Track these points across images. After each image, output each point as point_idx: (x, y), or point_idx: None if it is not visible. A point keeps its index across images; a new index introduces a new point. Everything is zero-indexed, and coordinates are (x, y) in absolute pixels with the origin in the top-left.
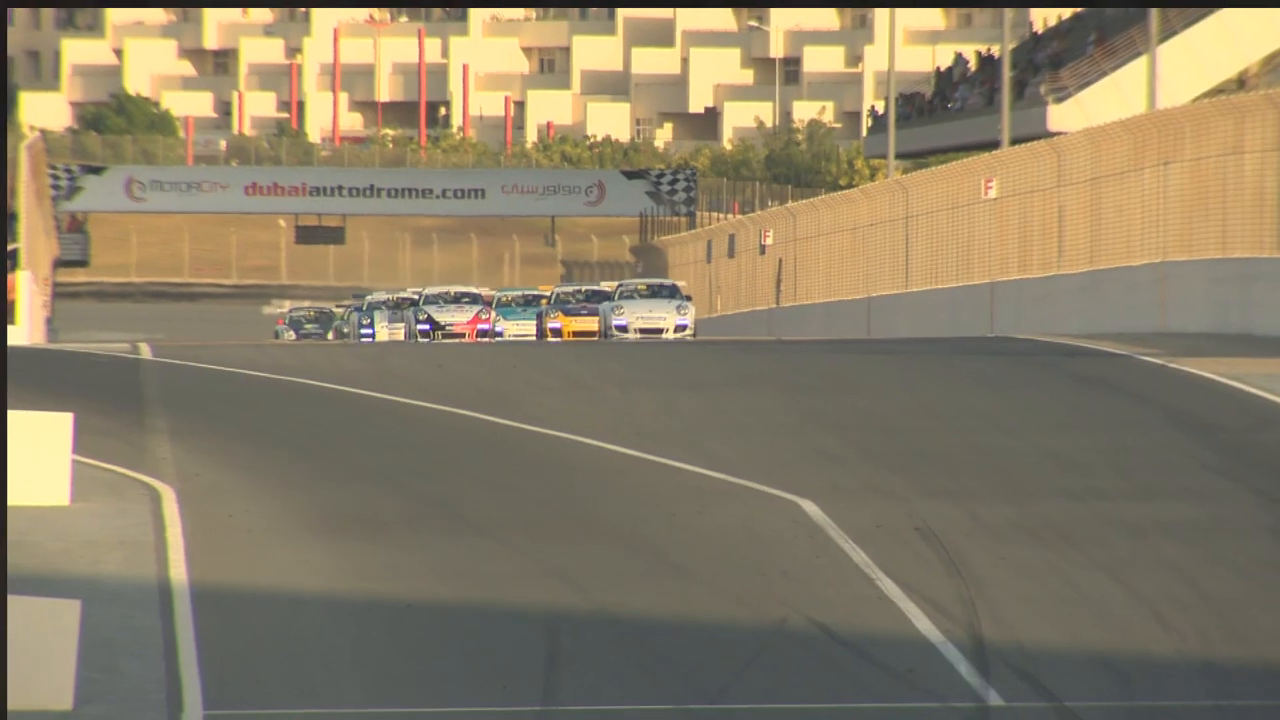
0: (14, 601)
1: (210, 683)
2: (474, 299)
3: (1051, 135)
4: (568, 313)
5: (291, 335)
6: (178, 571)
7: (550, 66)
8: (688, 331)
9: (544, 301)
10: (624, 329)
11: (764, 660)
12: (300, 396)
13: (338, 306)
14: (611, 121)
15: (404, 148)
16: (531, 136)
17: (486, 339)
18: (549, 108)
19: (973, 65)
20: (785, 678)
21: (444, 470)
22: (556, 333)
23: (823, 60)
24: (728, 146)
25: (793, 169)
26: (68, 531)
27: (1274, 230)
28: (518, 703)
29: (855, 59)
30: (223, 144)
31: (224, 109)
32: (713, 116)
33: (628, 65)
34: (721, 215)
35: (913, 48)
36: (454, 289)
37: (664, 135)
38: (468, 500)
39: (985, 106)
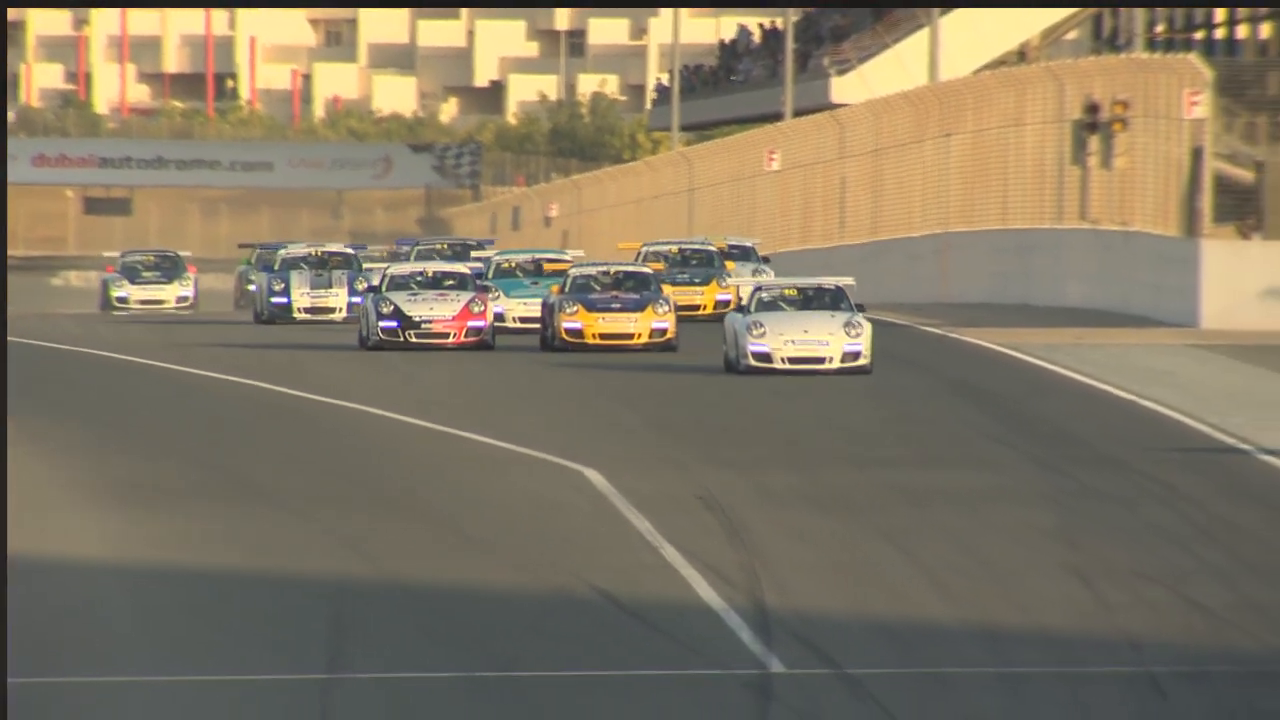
0: None
1: (28, 641)
2: (462, 282)
3: (834, 107)
4: (592, 307)
5: (126, 286)
6: None
7: (337, 39)
8: (862, 361)
9: (554, 289)
10: (766, 358)
11: (549, 627)
12: (89, 367)
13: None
14: (397, 95)
15: (192, 120)
16: (319, 110)
17: (479, 341)
18: (335, 81)
19: (756, 38)
20: (570, 645)
21: (234, 441)
22: (575, 335)
23: (607, 33)
24: (512, 120)
25: (577, 142)
26: None
27: (1053, 202)
28: (305, 670)
29: (640, 31)
30: (10, 115)
31: (11, 80)
32: (498, 90)
33: (413, 38)
34: (506, 188)
35: (697, 20)
36: (432, 268)
37: (449, 109)
38: (257, 471)
39: (769, 79)
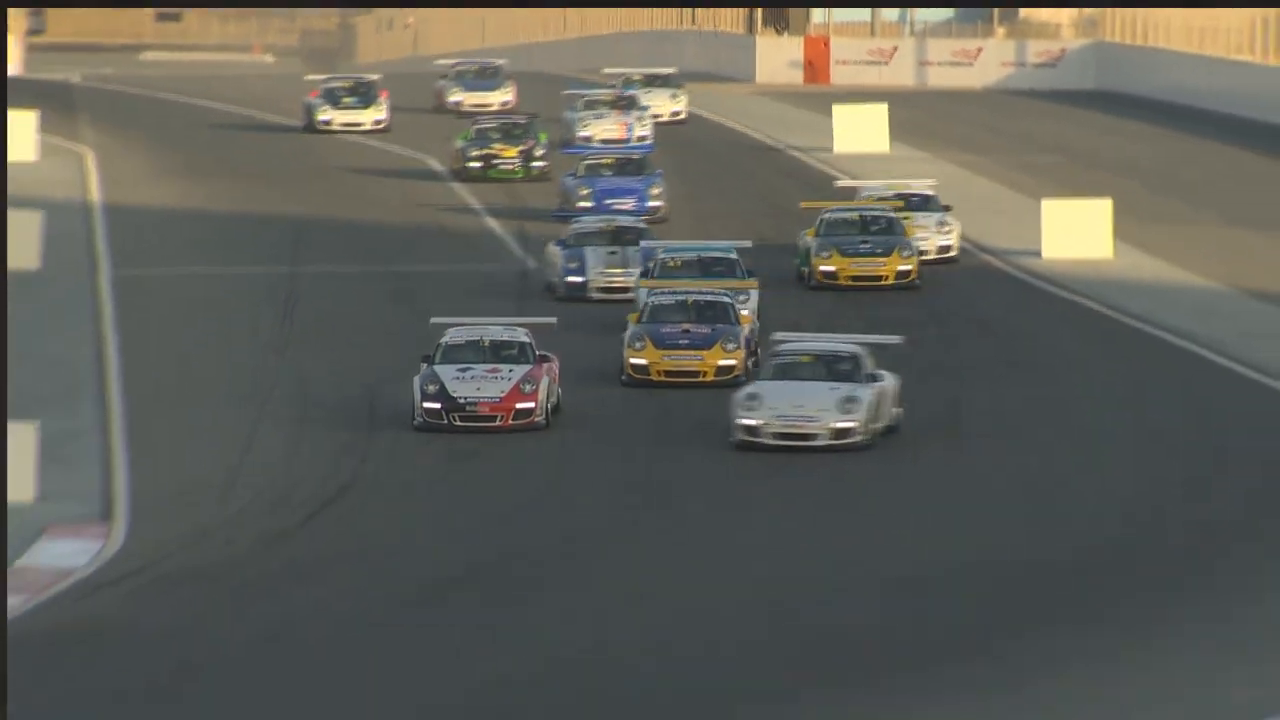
0: None
1: (115, 251)
2: (521, 352)
3: None
4: (660, 343)
5: (329, 110)
6: (93, 195)
7: None
8: (855, 438)
9: (633, 317)
10: (754, 433)
11: (420, 242)
12: (180, 109)
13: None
14: None
15: None
16: None
17: (530, 424)
18: None
19: None
20: (428, 251)
21: (255, 152)
22: (641, 371)
23: None
24: None
25: None
26: (35, 176)
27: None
28: (279, 265)
29: None
30: None
31: None
32: None
33: None
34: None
35: None
36: (489, 337)
37: None
38: (259, 162)
39: None
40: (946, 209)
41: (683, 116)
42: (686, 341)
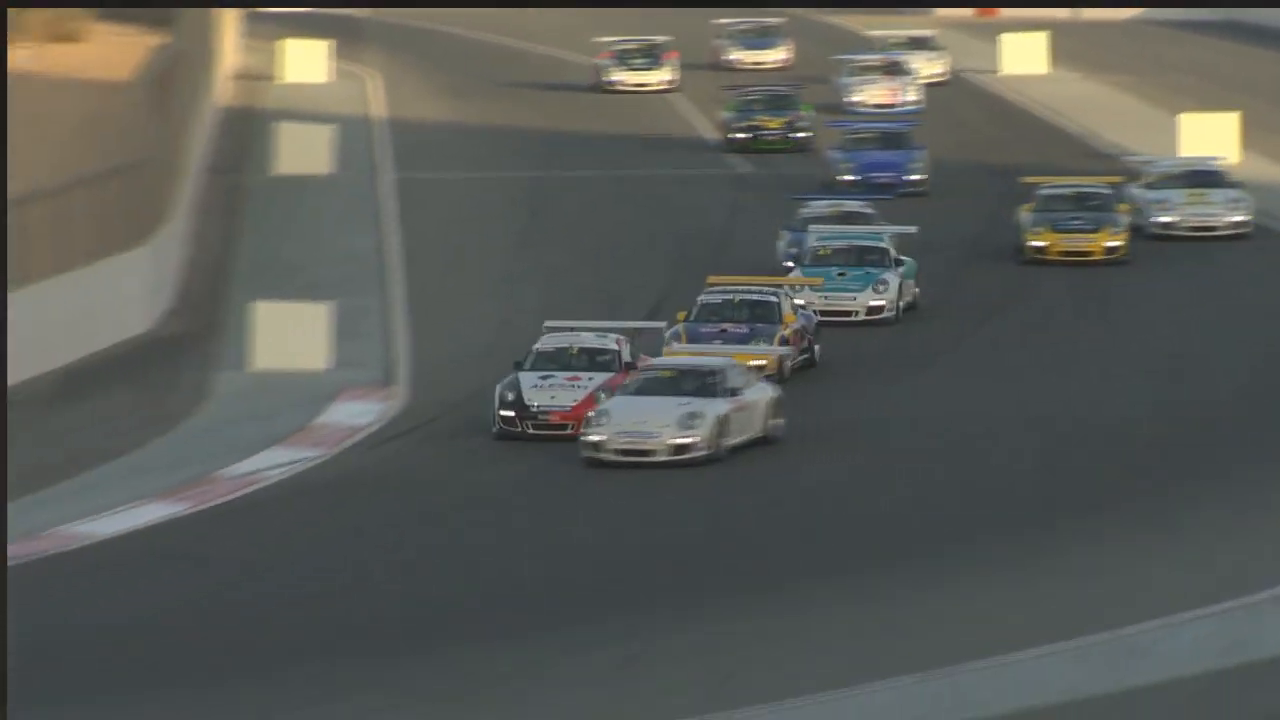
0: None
1: (399, 159)
2: (609, 360)
3: None
4: (696, 341)
5: (618, 71)
6: (378, 110)
7: None
8: (696, 453)
9: (680, 315)
10: (596, 448)
11: (653, 147)
12: (453, 40)
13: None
14: None
15: None
16: None
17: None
18: None
19: None
20: (664, 158)
21: (517, 76)
22: None
23: None
24: None
25: None
26: (328, 95)
27: None
28: (534, 172)
29: None
30: None
31: None
32: None
33: None
34: None
35: None
36: (579, 342)
37: None
38: (503, 90)
39: None
40: (1237, 185)
41: (945, 78)
42: (721, 342)
